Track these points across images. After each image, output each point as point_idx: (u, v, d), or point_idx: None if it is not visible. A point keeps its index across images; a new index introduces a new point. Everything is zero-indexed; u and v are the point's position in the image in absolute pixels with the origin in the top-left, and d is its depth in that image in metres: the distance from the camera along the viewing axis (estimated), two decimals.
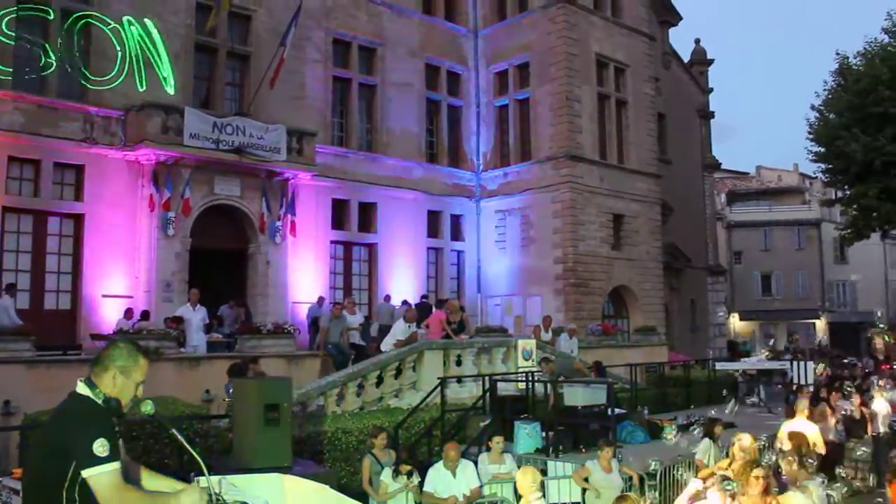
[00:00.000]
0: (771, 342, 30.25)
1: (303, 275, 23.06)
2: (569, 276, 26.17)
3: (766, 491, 7.11)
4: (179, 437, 3.87)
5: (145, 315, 18.34)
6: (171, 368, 15.58)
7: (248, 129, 21.05)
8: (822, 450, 11.22)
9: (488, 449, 11.10)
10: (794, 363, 20.43)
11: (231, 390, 9.10)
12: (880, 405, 15.30)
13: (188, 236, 20.43)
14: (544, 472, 11.86)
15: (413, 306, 20.31)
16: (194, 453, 3.78)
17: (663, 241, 30.62)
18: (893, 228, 33.41)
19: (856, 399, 15.48)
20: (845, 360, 34.68)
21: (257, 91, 22.17)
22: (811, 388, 17.89)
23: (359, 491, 9.82)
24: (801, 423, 11.98)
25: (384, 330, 19.17)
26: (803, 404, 12.71)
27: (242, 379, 10.46)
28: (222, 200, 21.42)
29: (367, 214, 25.76)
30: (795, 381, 19.96)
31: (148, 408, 3.78)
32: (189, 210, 20.29)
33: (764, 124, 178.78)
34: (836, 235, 46.51)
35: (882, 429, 14.91)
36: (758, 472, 7.24)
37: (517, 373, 16.30)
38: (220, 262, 21.81)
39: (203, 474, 3.76)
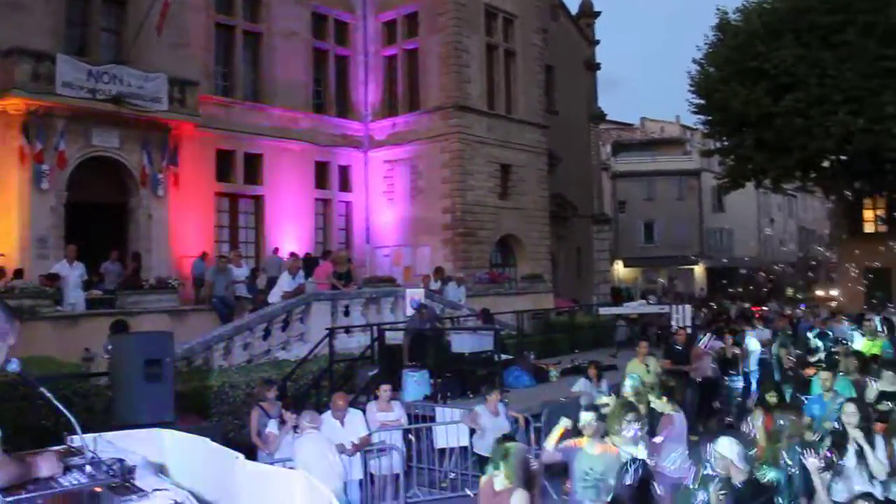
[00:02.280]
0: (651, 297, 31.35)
1: (188, 228, 22.49)
2: (457, 225, 26.40)
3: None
4: (48, 395, 3.79)
5: (18, 273, 17.54)
6: (47, 328, 15.07)
7: (127, 77, 20.24)
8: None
9: (376, 397, 11.24)
10: (673, 307, 21.25)
11: (110, 347, 8.89)
12: (751, 344, 16.18)
13: (64, 190, 19.57)
14: (433, 419, 12.12)
15: (300, 258, 20.17)
16: (65, 411, 3.71)
17: (550, 190, 31.16)
18: (767, 178, 34.88)
19: (728, 338, 16.29)
20: (721, 303, 36.35)
21: (137, 37, 21.28)
22: (688, 330, 18.72)
23: (248, 444, 9.80)
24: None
25: (272, 283, 18.98)
26: (643, 347, 13.38)
27: (121, 335, 10.23)
28: (100, 152, 20.59)
29: (253, 166, 25.27)
30: (674, 323, 20.82)
31: (13, 366, 3.68)
32: (64, 163, 19.44)
33: (649, 77, 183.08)
34: (715, 185, 48.40)
35: (753, 366, 15.77)
36: (630, 416, 7.61)
37: (406, 322, 16.46)
38: (99, 216, 21.01)
39: (76, 433, 3.69)
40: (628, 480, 6.33)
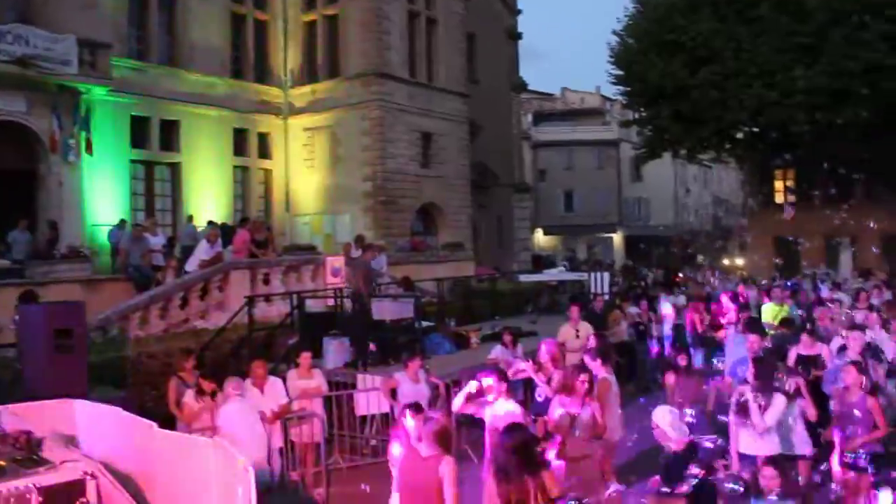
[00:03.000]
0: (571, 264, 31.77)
1: (102, 196, 21.86)
2: (378, 193, 26.30)
3: (588, 392, 7.89)
4: None
5: None
6: None
7: (33, 39, 19.42)
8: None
9: (297, 365, 11.20)
10: (592, 274, 21.65)
11: (17, 318, 8.64)
12: (665, 309, 16.63)
13: None
14: (353, 386, 12.15)
15: (218, 226, 19.83)
16: None
17: (471, 159, 31.23)
18: (683, 148, 35.60)
19: (644, 304, 16.68)
20: (637, 271, 37.22)
21: None
22: (606, 297, 19.14)
23: (166, 415, 9.67)
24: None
25: (186, 252, 18.63)
26: (575, 311, 13.63)
27: (30, 305, 9.95)
28: (5, 117, 19.78)
29: (170, 132, 24.63)
30: (592, 290, 21.25)
31: None
32: None
33: (570, 47, 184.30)
34: (633, 155, 49.22)
35: (667, 331, 16.22)
36: (583, 376, 7.98)
37: (326, 290, 16.40)
38: (6, 183, 20.25)
39: None
40: None
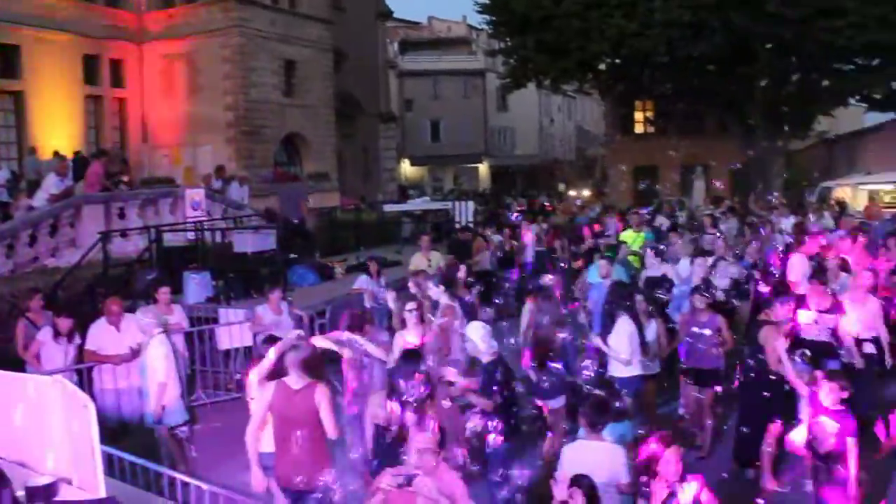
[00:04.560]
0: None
1: None
2: (240, 123, 25.60)
3: (420, 320, 7.99)
4: None
5: None
6: None
7: None
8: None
9: (155, 301, 10.89)
10: (456, 203, 21.85)
11: None
12: (527, 237, 17.01)
13: None
14: (215, 321, 11.94)
15: (67, 158, 18.83)
16: None
17: (336, 88, 30.73)
18: (547, 79, 35.95)
19: (507, 232, 16.99)
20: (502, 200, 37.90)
21: None
22: (470, 226, 19.41)
23: (16, 358, 9.29)
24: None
25: (35, 186, 17.66)
26: (425, 241, 13.82)
27: None
28: None
29: (10, 59, 22.99)
30: (457, 219, 21.49)
31: None
32: None
33: None
34: (499, 85, 49.47)
35: (529, 258, 16.59)
36: (410, 305, 7.98)
37: (185, 223, 15.96)
38: None
39: None
40: None
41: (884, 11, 24.93)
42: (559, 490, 4.86)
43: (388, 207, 24.28)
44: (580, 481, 4.72)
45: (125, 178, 18.43)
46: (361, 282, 12.42)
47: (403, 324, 8.23)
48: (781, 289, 8.63)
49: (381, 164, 39.54)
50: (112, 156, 19.21)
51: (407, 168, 53.58)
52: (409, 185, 44.77)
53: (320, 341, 7.71)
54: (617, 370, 7.90)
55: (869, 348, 8.45)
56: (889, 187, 24.06)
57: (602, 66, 34.63)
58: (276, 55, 26.99)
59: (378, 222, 23.12)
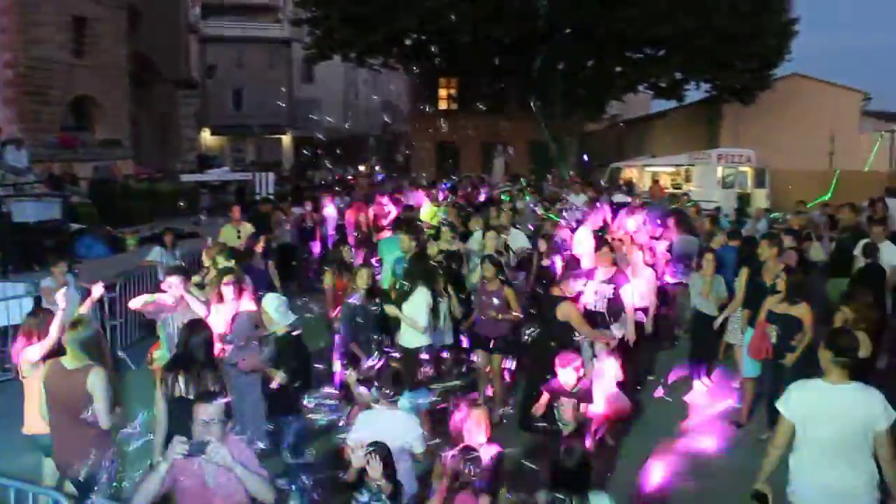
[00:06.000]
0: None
1: None
2: (20, 83, 23.84)
3: (220, 297, 7.84)
4: None
5: None
6: None
7: None
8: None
9: None
10: (257, 175, 21.40)
11: None
12: (329, 210, 16.92)
13: None
14: None
15: None
16: None
17: (132, 50, 29.17)
18: (353, 52, 35.72)
19: (308, 205, 16.81)
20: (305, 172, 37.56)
21: None
22: (272, 196, 19.04)
23: None
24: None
25: None
26: (236, 212, 13.55)
27: None
28: None
29: None
30: (258, 190, 21.04)
31: None
32: None
33: None
34: (304, 55, 48.65)
35: (330, 230, 16.49)
36: (227, 278, 7.93)
37: None
38: None
39: None
40: None
41: (669, 6, 26.62)
42: (356, 457, 4.92)
43: (185, 177, 23.35)
44: (376, 447, 4.79)
45: None
46: (155, 253, 11.94)
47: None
48: (572, 263, 9.01)
49: (181, 132, 38.05)
50: None
51: (207, 137, 51.77)
52: (209, 154, 43.18)
53: (137, 302, 7.43)
54: (411, 340, 7.99)
55: (640, 317, 9.10)
56: (670, 170, 25.83)
57: (409, 42, 34.85)
58: (64, 10, 25.25)
59: (174, 193, 22.20)
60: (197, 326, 5.97)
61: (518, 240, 11.44)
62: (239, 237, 12.65)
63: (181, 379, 5.65)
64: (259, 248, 10.98)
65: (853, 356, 4.79)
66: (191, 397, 5.37)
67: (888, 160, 22.68)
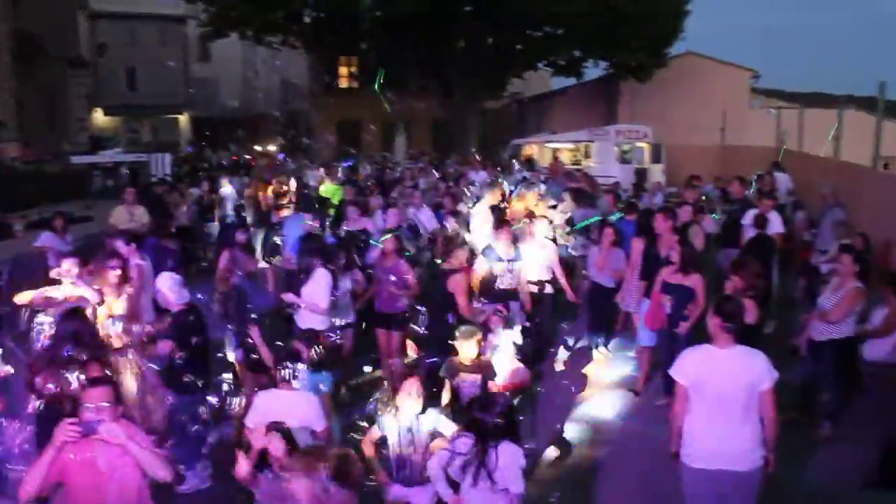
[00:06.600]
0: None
1: None
2: None
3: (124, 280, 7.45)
4: None
5: None
6: None
7: None
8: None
9: None
10: (152, 156, 20.83)
11: None
12: (226, 191, 16.63)
13: None
14: None
15: None
16: None
17: (14, 26, 27.85)
18: (250, 30, 34.86)
19: (206, 185, 16.47)
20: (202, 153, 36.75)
21: None
22: (168, 177, 18.58)
23: None
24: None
25: None
26: (131, 194, 13.19)
27: None
28: None
29: None
30: (154, 172, 20.49)
31: None
32: None
33: None
34: (200, 33, 47.33)
35: (229, 211, 16.19)
36: (114, 262, 7.53)
37: None
38: None
39: None
40: None
41: None
42: (256, 437, 4.86)
43: (76, 159, 22.47)
44: (276, 426, 4.76)
45: None
46: (45, 238, 11.45)
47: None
48: (454, 237, 9.17)
49: (71, 112, 36.61)
50: None
51: (100, 118, 49.95)
52: (102, 135, 41.72)
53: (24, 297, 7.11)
54: (309, 321, 7.85)
55: (548, 289, 9.35)
56: (570, 146, 26.23)
57: (307, 20, 34.30)
58: None
59: (64, 175, 21.34)
60: (69, 317, 5.80)
61: (424, 218, 11.50)
62: (132, 220, 12.31)
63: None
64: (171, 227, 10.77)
65: (739, 322, 4.97)
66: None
67: (774, 136, 23.57)
